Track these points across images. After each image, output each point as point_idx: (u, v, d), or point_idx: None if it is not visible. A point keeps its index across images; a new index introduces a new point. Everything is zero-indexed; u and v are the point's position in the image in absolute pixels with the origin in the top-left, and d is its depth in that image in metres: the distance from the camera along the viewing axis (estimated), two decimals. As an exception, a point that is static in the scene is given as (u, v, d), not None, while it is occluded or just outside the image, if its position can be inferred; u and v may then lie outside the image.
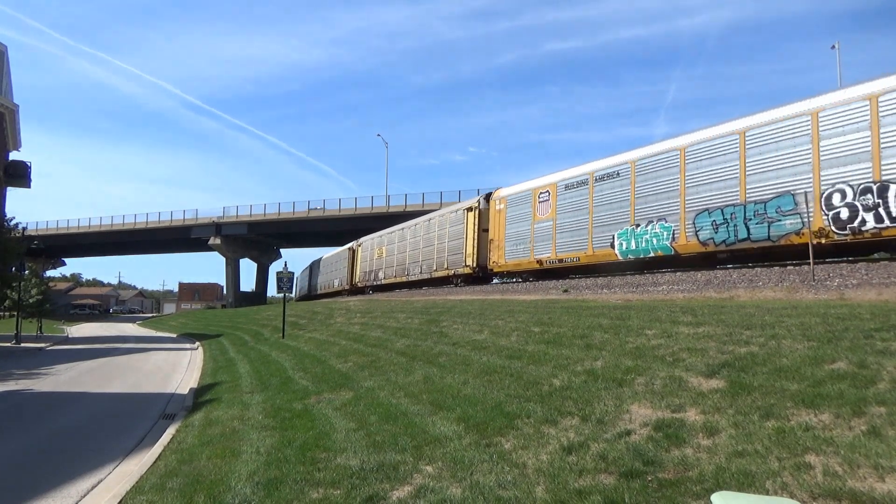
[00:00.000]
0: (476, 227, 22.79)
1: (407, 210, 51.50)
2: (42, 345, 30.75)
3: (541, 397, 6.88)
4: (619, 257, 16.10)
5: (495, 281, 23.85)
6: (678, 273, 14.43)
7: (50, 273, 74.69)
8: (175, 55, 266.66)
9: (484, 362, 9.26)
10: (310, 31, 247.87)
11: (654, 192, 15.28)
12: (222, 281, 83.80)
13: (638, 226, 15.61)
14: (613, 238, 16.29)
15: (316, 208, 61.42)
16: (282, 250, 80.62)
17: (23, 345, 29.72)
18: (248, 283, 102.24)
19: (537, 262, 19.19)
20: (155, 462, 7.24)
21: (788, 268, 11.85)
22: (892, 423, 4.24)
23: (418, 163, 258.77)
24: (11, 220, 32.39)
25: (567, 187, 18.30)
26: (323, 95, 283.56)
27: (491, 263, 21.66)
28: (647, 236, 15.34)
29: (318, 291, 49.03)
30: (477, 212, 22.92)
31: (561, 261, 18.26)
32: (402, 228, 30.32)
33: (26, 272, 42.32)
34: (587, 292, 14.72)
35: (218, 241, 68.42)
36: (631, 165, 16.02)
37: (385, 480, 5.27)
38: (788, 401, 5.02)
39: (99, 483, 6.94)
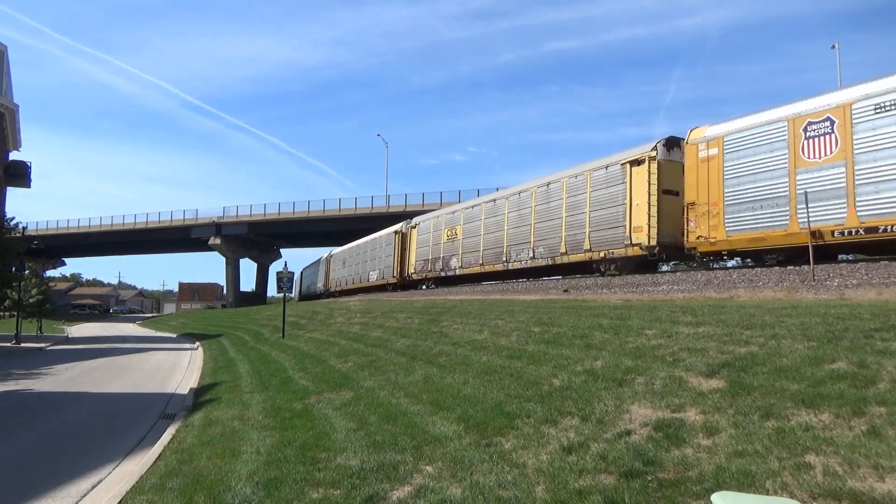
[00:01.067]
0: (653, 186, 15.56)
1: (407, 210, 51.57)
2: (42, 345, 30.74)
3: (541, 397, 6.88)
4: None
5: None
6: (678, 273, 14.40)
7: (50, 273, 74.85)
8: (175, 55, 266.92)
9: (484, 362, 9.27)
10: (310, 31, 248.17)
11: None
12: (222, 281, 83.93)
13: None
14: None
15: (316, 208, 61.49)
16: (282, 250, 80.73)
17: (23, 345, 29.72)
18: (248, 283, 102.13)
19: (810, 232, 11.92)
20: (155, 462, 7.24)
21: (788, 268, 11.85)
22: (892, 423, 4.24)
23: (418, 163, 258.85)
24: (11, 220, 32.37)
25: (880, 108, 11.20)
26: (323, 95, 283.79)
27: (692, 240, 14.60)
28: None
29: (340, 288, 40.79)
30: (653, 165, 15.63)
31: (881, 230, 11.06)
32: (494, 200, 23.14)
33: (26, 272, 42.32)
34: (587, 292, 14.72)
35: (218, 241, 68.46)
36: None
37: (385, 480, 5.27)
38: (788, 401, 5.02)
39: (99, 483, 6.94)
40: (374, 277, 34.04)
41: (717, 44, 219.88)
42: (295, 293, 56.97)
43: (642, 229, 15.66)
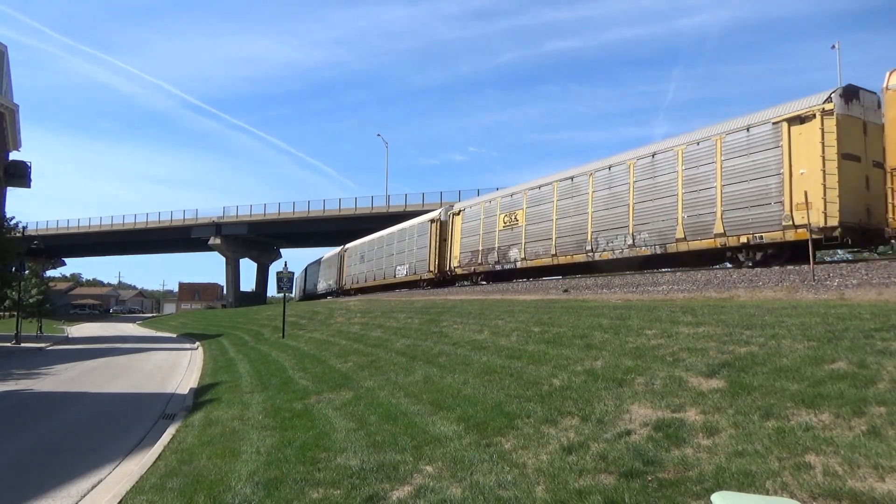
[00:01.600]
0: (829, 149, 12.17)
1: (407, 210, 51.59)
2: (42, 345, 30.74)
3: (541, 397, 6.89)
4: None
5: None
6: (678, 273, 14.40)
7: (50, 273, 74.83)
8: (175, 55, 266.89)
9: (484, 362, 9.27)
10: (309, 31, 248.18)
11: None
12: (222, 281, 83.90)
13: None
14: None
15: (316, 208, 61.53)
16: (282, 250, 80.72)
17: (23, 345, 29.72)
18: (248, 283, 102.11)
19: None
20: (155, 462, 7.24)
21: (788, 268, 11.86)
22: (892, 423, 4.24)
23: (418, 163, 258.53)
24: (11, 219, 32.36)
25: None
26: (323, 95, 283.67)
27: None
28: None
29: (358, 285, 37.36)
30: (828, 121, 12.24)
31: None
32: (572, 177, 19.52)
33: (26, 272, 42.30)
34: (587, 292, 14.73)
35: (218, 241, 68.47)
36: None
37: (385, 480, 5.27)
38: (788, 401, 5.02)
39: (99, 483, 6.94)
40: (402, 273, 30.58)
41: (717, 44, 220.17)
42: (296, 293, 56.95)
43: (812, 205, 12.19)
